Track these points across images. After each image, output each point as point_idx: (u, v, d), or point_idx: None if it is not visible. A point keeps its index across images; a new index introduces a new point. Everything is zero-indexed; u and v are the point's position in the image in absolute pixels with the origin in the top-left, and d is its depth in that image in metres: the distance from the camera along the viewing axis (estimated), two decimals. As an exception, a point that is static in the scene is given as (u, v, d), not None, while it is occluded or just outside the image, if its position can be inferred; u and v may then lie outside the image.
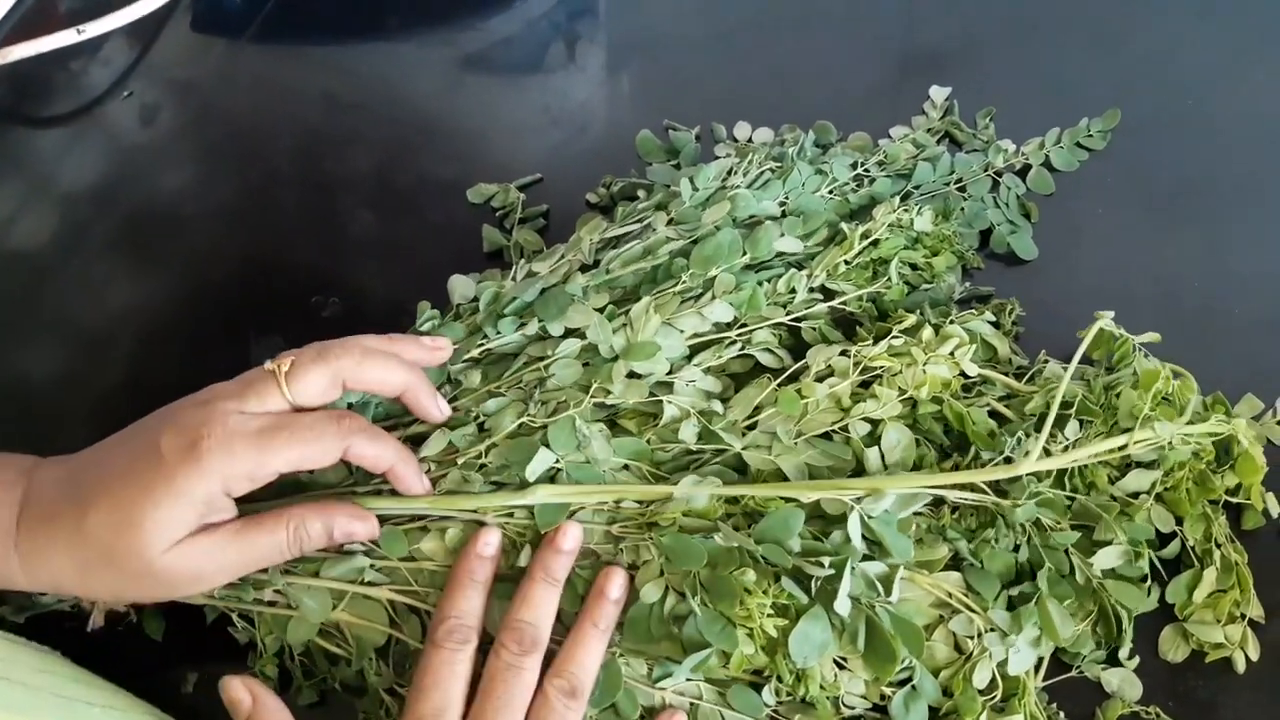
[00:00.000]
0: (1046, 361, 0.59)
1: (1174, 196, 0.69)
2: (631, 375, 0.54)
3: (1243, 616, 0.53)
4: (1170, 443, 0.53)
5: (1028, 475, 0.52)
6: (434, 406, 0.53)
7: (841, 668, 0.49)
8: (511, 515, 0.51)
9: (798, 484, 0.51)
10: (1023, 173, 0.70)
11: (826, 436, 0.54)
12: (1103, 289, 0.65)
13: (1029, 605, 0.50)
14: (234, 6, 0.86)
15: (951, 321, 0.58)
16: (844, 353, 0.56)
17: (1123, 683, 0.52)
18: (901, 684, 0.49)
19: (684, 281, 0.57)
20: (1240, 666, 0.52)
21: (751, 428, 0.54)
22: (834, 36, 0.81)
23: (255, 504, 0.50)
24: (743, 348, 0.57)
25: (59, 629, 0.54)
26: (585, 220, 0.66)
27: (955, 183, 0.68)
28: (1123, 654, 0.52)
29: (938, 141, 0.71)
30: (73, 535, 0.45)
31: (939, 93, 0.74)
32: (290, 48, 0.85)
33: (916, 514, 0.52)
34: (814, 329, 0.59)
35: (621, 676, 0.48)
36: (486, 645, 0.49)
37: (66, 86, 0.82)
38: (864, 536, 0.49)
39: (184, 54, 0.84)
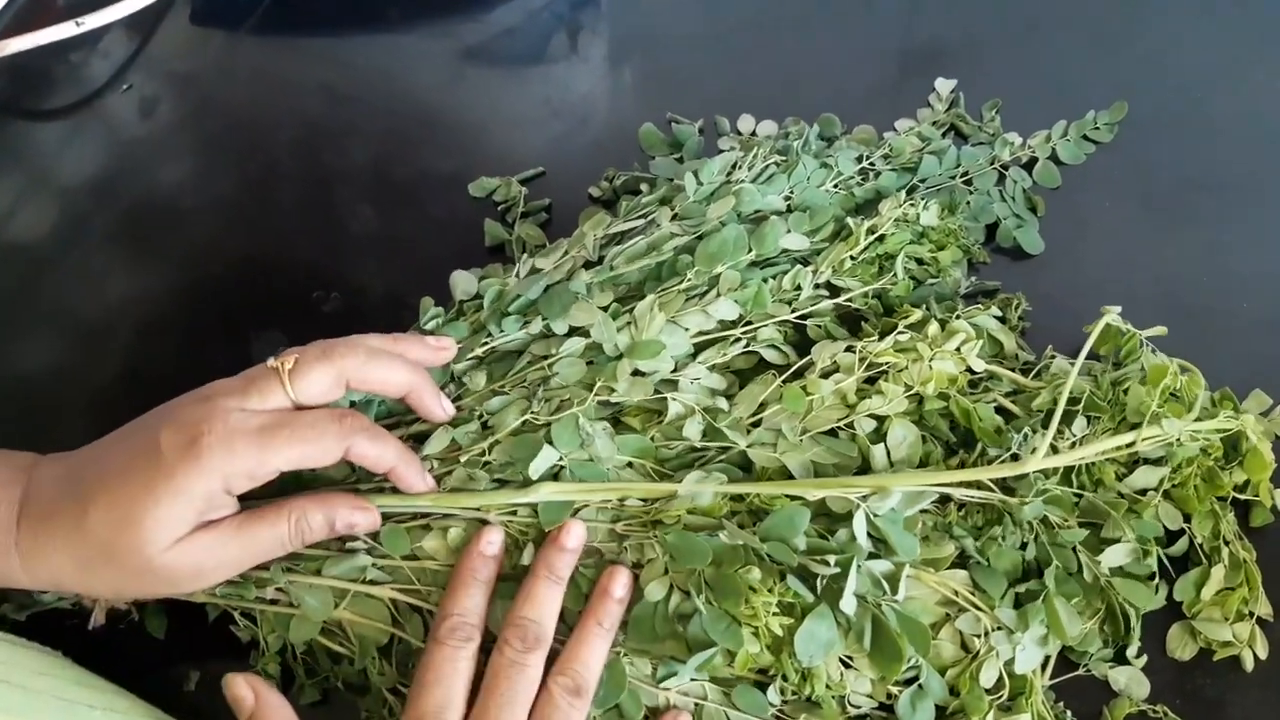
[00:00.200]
0: (1053, 357, 0.59)
1: (1181, 191, 0.69)
2: (636, 373, 0.54)
3: (1251, 614, 0.52)
4: (1178, 439, 0.53)
5: (1035, 472, 0.52)
6: (438, 406, 0.53)
7: (847, 667, 0.49)
8: (514, 513, 0.51)
9: (803, 481, 0.51)
10: (1029, 166, 0.70)
11: (832, 433, 0.54)
12: (1109, 283, 0.64)
13: (1036, 603, 0.50)
14: (233, -2, 0.86)
15: (958, 317, 0.58)
16: (849, 349, 0.56)
17: (1130, 681, 0.52)
18: (908, 683, 0.49)
19: (689, 279, 0.57)
20: (1248, 664, 0.52)
21: (756, 425, 0.54)
22: (837, 30, 0.80)
23: (255, 501, 0.49)
24: (748, 345, 0.57)
25: (60, 627, 0.53)
26: (588, 215, 0.66)
27: (961, 176, 0.68)
28: (1130, 652, 0.52)
29: (943, 135, 0.71)
30: (73, 533, 0.45)
31: (944, 85, 0.74)
32: (290, 40, 0.84)
33: (923, 511, 0.52)
34: (819, 325, 0.58)
35: (626, 676, 0.48)
36: (489, 646, 0.48)
37: (65, 79, 0.82)
38: (870, 534, 0.49)
39: (183, 47, 0.84)
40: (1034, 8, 0.80)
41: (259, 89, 0.81)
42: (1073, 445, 0.53)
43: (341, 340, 0.50)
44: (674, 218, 0.61)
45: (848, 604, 0.47)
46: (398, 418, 0.55)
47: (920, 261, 0.62)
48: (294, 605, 0.50)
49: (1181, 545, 0.54)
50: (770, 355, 0.57)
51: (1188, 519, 0.54)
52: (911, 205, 0.62)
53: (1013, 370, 0.58)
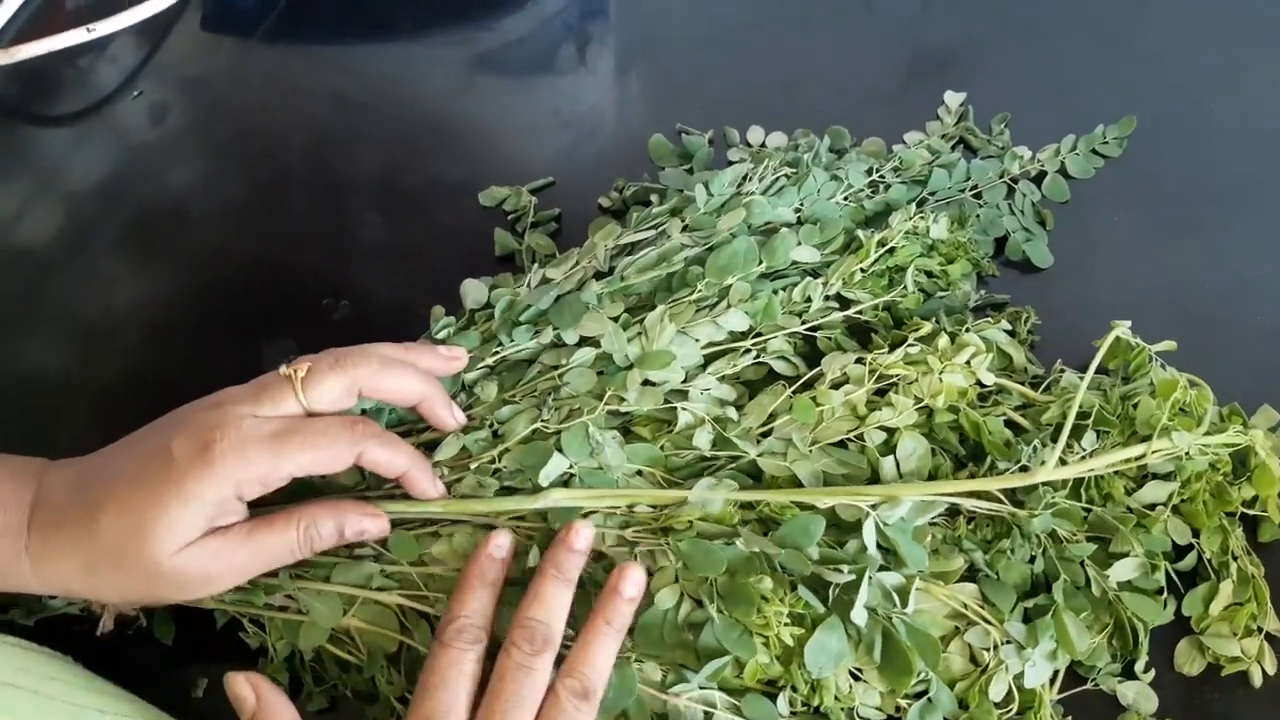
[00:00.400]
0: (1063, 370, 0.59)
1: (1190, 204, 0.69)
2: (646, 383, 0.54)
3: (1259, 630, 0.52)
4: (1187, 453, 0.53)
5: (1044, 485, 0.52)
6: (449, 416, 0.53)
7: (857, 678, 0.49)
8: (523, 519, 0.51)
9: (813, 490, 0.51)
10: (1038, 180, 0.70)
11: (841, 445, 0.54)
12: (1118, 297, 0.64)
13: (1045, 617, 0.50)
14: (244, 5, 0.86)
15: (967, 330, 0.58)
16: (859, 361, 0.56)
17: (1138, 696, 0.51)
18: (917, 696, 0.49)
19: (699, 290, 0.57)
20: (1256, 680, 0.52)
21: (766, 435, 0.54)
22: (844, 40, 0.81)
23: (265, 508, 0.49)
24: (757, 356, 0.57)
25: (69, 632, 0.53)
26: (598, 225, 0.66)
27: (970, 190, 0.68)
28: (1138, 667, 0.52)
29: (952, 148, 0.71)
30: (83, 538, 0.45)
31: (953, 98, 0.74)
32: (300, 47, 0.85)
33: (932, 524, 0.52)
34: (829, 337, 0.58)
35: (635, 681, 0.47)
36: (495, 650, 0.48)
37: (76, 85, 0.82)
38: (879, 545, 0.49)
39: (194, 53, 0.84)
40: (1042, 15, 0.80)
41: (269, 96, 0.81)
42: (1082, 458, 0.53)
43: (354, 349, 0.50)
44: (684, 229, 0.61)
45: (859, 615, 0.47)
46: (409, 425, 0.55)
47: (930, 274, 0.62)
48: (302, 612, 0.50)
49: (1190, 560, 0.54)
50: (780, 367, 0.57)
51: (1196, 534, 0.54)
52: (921, 218, 0.62)
53: (1022, 384, 0.58)
